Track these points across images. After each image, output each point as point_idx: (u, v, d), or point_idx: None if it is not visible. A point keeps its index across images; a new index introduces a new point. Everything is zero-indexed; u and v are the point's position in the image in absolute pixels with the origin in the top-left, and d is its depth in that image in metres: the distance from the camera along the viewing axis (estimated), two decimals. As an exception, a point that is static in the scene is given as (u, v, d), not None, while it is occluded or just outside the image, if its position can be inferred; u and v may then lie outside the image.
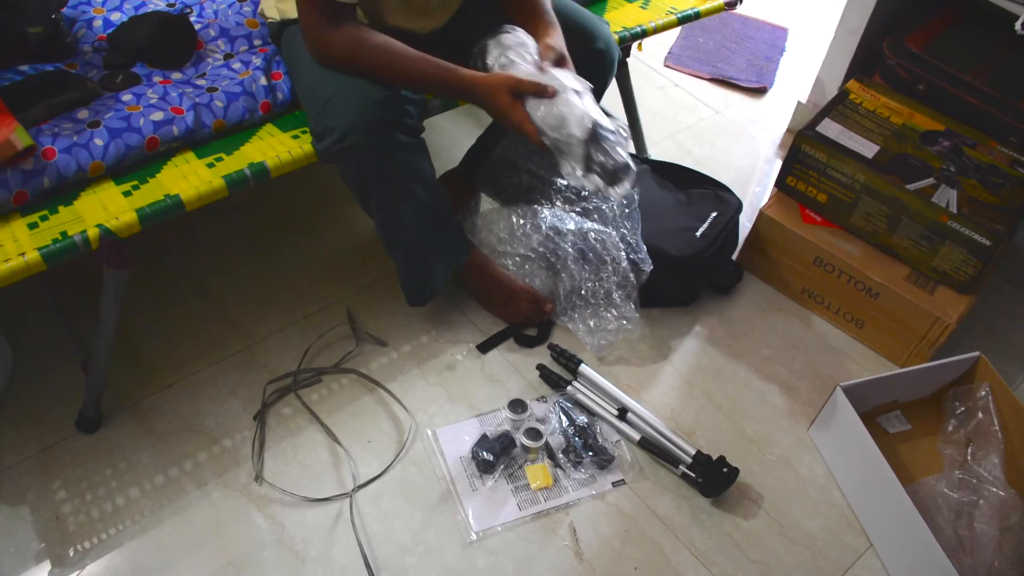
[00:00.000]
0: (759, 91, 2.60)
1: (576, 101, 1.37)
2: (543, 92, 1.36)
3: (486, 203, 1.92)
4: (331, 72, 1.42)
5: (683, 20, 1.90)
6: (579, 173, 1.39)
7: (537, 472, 1.52)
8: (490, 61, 1.45)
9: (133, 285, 1.56)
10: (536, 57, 1.43)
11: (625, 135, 1.40)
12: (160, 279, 1.83)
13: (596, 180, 1.38)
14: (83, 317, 1.63)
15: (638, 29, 1.84)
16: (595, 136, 1.35)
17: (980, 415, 1.59)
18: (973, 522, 1.46)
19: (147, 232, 1.34)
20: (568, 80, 1.39)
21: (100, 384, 1.51)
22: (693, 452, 1.53)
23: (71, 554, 1.38)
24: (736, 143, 2.39)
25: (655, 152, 2.28)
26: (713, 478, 1.50)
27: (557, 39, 1.48)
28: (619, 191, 1.39)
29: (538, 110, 1.37)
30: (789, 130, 2.43)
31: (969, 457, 1.57)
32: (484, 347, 1.73)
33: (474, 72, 1.43)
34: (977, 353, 1.62)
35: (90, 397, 1.52)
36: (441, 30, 1.60)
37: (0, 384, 1.57)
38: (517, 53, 1.42)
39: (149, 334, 1.72)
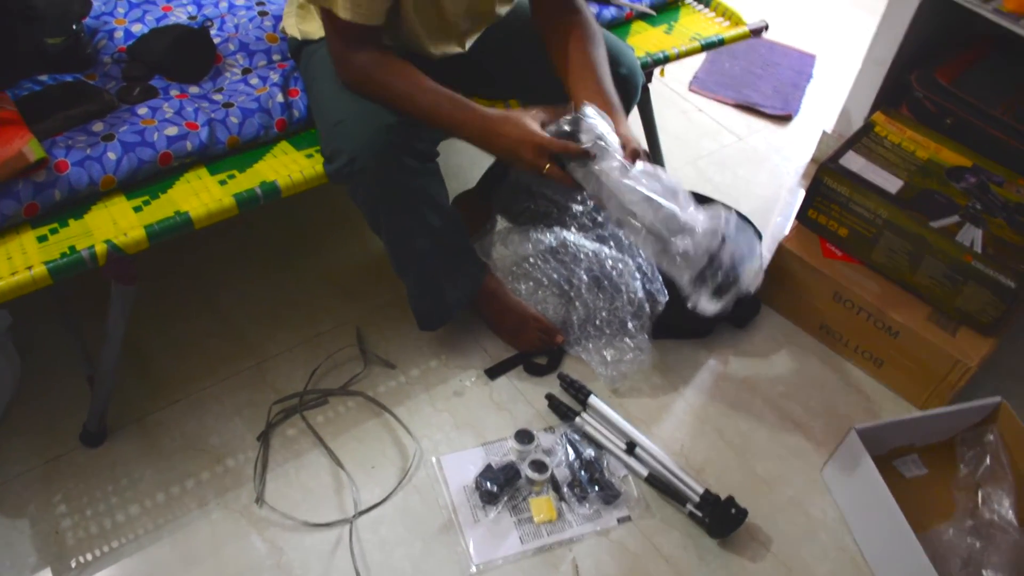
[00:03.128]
0: (784, 119, 2.57)
1: (697, 214, 1.32)
2: (584, 155, 1.32)
3: (502, 225, 1.90)
4: (345, 94, 1.41)
5: (706, 47, 1.88)
6: (688, 287, 1.34)
7: (541, 505, 1.49)
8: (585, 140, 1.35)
9: (143, 298, 1.55)
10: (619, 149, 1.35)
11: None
12: (170, 292, 1.82)
13: (704, 293, 1.33)
14: (93, 328, 1.62)
15: (661, 55, 1.81)
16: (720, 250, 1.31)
17: (988, 460, 1.56)
18: (981, 568, 1.42)
19: (159, 244, 1.33)
20: (666, 179, 1.35)
21: (105, 399, 1.51)
22: (701, 491, 1.50)
23: (67, 569, 1.37)
24: (759, 171, 2.35)
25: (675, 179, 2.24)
26: (721, 519, 1.46)
27: (626, 127, 1.41)
28: (722, 303, 1.35)
29: (648, 215, 1.32)
30: (813, 160, 2.39)
31: (980, 503, 1.53)
32: (492, 373, 1.71)
33: (495, 115, 1.38)
34: (998, 398, 1.58)
35: (95, 411, 1.51)
36: (461, 55, 1.58)
37: (7, 394, 1.57)
38: (607, 142, 1.34)
39: (158, 348, 1.71)
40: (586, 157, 1.32)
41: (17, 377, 1.59)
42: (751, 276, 1.35)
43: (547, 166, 1.33)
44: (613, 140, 1.34)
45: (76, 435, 1.54)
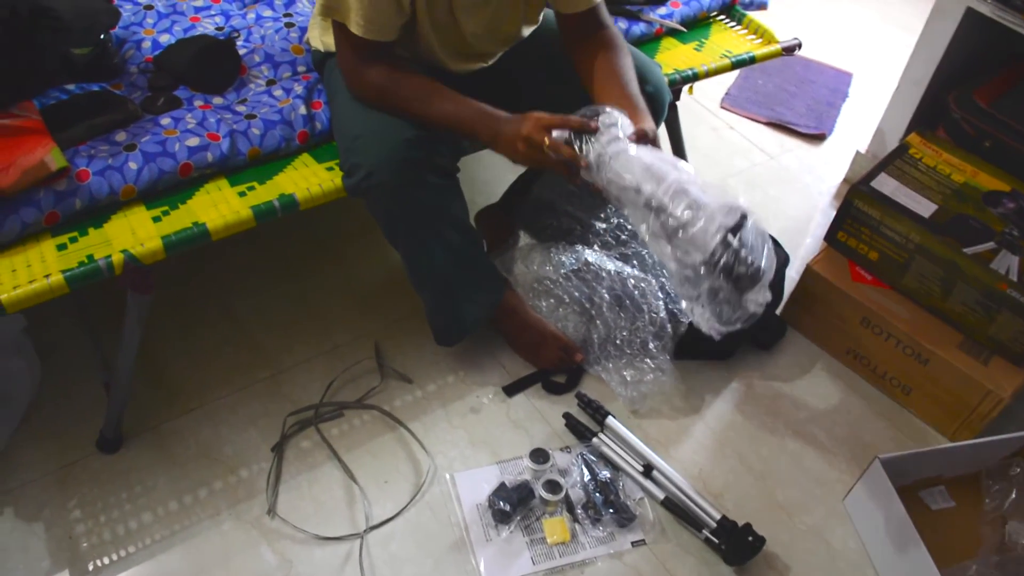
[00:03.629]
0: (817, 138, 2.52)
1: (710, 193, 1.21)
2: (586, 128, 1.28)
3: (524, 241, 1.88)
4: (364, 109, 1.41)
5: (737, 64, 1.85)
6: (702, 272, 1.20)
7: (554, 526, 1.47)
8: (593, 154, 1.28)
9: (161, 306, 1.55)
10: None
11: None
12: (188, 301, 1.83)
13: (721, 283, 1.20)
14: (112, 334, 1.64)
15: (690, 72, 1.79)
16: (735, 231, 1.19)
17: (1015, 493, 1.51)
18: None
19: (177, 252, 1.33)
20: (671, 158, 1.27)
21: (121, 406, 1.51)
22: (718, 517, 1.46)
23: (81, 573, 1.38)
24: (790, 191, 2.31)
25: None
26: (737, 546, 1.43)
27: (650, 123, 1.36)
28: (755, 299, 1.22)
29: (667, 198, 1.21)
30: (846, 180, 2.34)
31: (1006, 538, 1.48)
32: (510, 390, 1.69)
33: (503, 114, 1.37)
34: (1031, 431, 1.54)
35: (111, 418, 1.52)
36: (485, 70, 1.57)
37: (27, 396, 1.58)
38: (620, 126, 1.29)
39: (175, 355, 1.72)
40: (588, 130, 1.28)
41: (37, 380, 1.60)
42: (766, 281, 1.22)
43: (546, 140, 1.28)
44: (627, 125, 1.29)
45: (92, 441, 1.55)
